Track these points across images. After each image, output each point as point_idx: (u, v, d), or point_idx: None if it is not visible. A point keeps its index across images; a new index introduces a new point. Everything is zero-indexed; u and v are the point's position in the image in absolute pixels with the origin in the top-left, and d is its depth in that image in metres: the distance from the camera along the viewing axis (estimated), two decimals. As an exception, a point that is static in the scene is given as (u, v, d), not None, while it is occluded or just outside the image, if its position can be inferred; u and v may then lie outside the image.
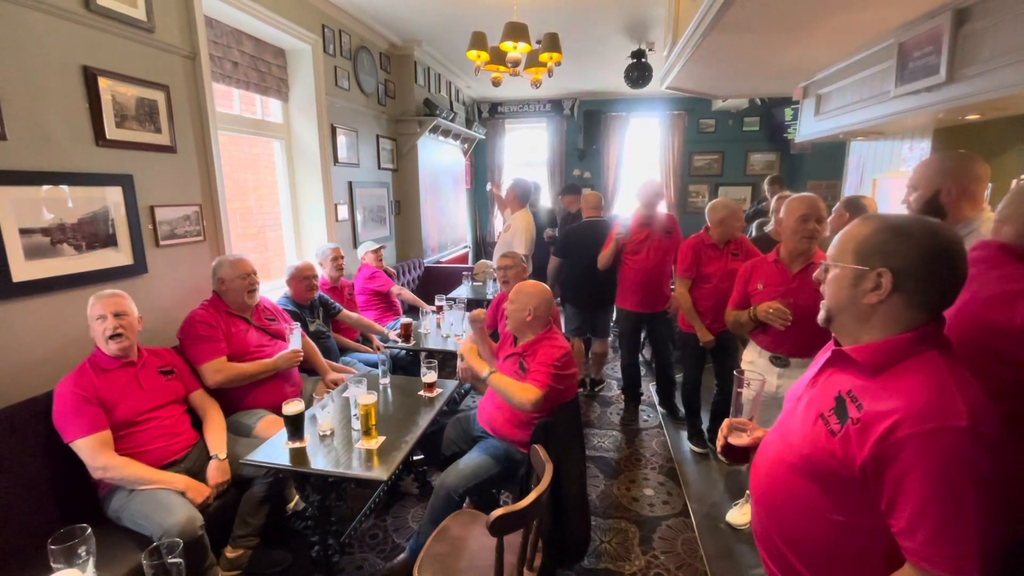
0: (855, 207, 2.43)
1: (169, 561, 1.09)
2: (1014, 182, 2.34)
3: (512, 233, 3.67)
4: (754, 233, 3.79)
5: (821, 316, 0.97)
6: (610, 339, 3.96)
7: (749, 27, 2.33)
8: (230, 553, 1.93)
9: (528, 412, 1.82)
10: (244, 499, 1.94)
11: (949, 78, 1.99)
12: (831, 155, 5.13)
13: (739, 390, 1.19)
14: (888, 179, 3.13)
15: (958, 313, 1.03)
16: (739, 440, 1.16)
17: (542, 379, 1.83)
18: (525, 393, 1.80)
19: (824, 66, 3.11)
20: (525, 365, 1.95)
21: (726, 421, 1.20)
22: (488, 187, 3.54)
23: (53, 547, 1.11)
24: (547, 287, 2.04)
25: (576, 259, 3.40)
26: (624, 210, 6.83)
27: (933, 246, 0.84)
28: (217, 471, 1.83)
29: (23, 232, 1.75)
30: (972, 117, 2.35)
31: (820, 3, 2.04)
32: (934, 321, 0.86)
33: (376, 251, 3.67)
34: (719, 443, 1.20)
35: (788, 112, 5.87)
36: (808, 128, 3.55)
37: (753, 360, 2.11)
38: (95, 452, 1.64)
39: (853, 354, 0.89)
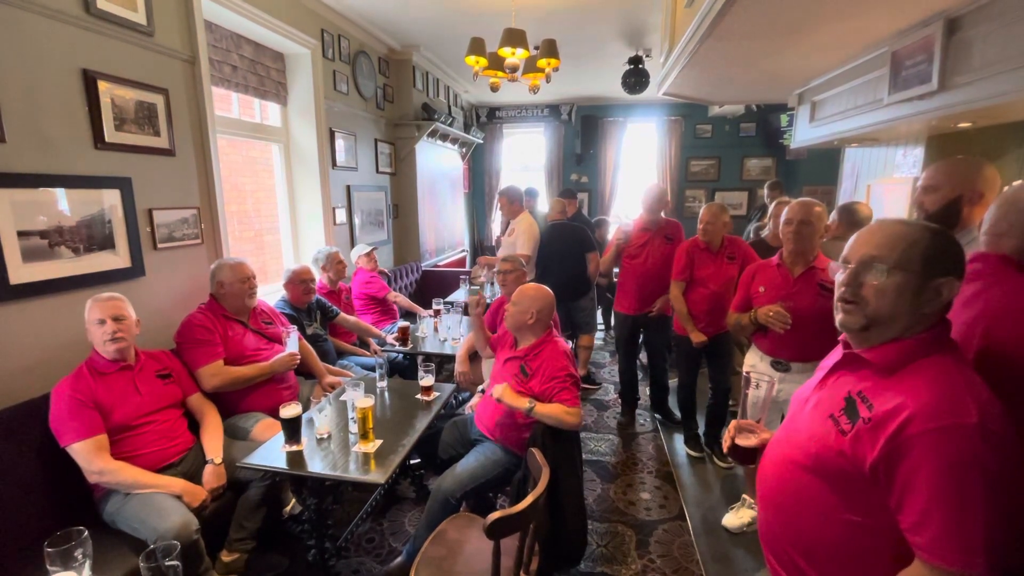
0: (847, 214, 2.46)
1: (166, 564, 1.09)
2: (1005, 188, 2.37)
3: (515, 237, 3.70)
4: (751, 237, 3.82)
5: (857, 323, 0.90)
6: (598, 335, 3.98)
7: (744, 34, 2.36)
8: (226, 557, 1.92)
9: (578, 428, 1.88)
10: (240, 502, 1.94)
11: (941, 86, 2.02)
12: (826, 161, 5.18)
13: (747, 392, 1.20)
14: (882, 185, 3.16)
15: (968, 330, 1.03)
16: (746, 441, 1.17)
17: (571, 398, 1.87)
18: (571, 417, 1.83)
19: (819, 73, 3.14)
20: (527, 369, 1.95)
21: (733, 422, 1.20)
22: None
23: (50, 550, 1.11)
24: (549, 290, 2.05)
25: (544, 259, 3.72)
26: (620, 215, 6.87)
27: (965, 256, 0.87)
28: (213, 475, 1.83)
29: (21, 235, 1.75)
30: (964, 125, 2.38)
31: (814, 11, 2.07)
32: (943, 322, 0.88)
33: (368, 253, 3.67)
34: (726, 444, 1.21)
35: (784, 118, 5.92)
36: (803, 134, 3.58)
37: (755, 364, 2.12)
38: (91, 456, 1.63)
39: (868, 356, 0.90)
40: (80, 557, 1.14)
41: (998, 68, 1.77)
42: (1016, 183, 1.15)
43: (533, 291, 2.03)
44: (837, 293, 0.94)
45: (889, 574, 0.82)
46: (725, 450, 1.21)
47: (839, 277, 0.94)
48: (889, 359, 0.87)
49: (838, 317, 0.94)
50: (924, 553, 0.77)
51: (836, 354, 1.01)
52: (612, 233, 3.78)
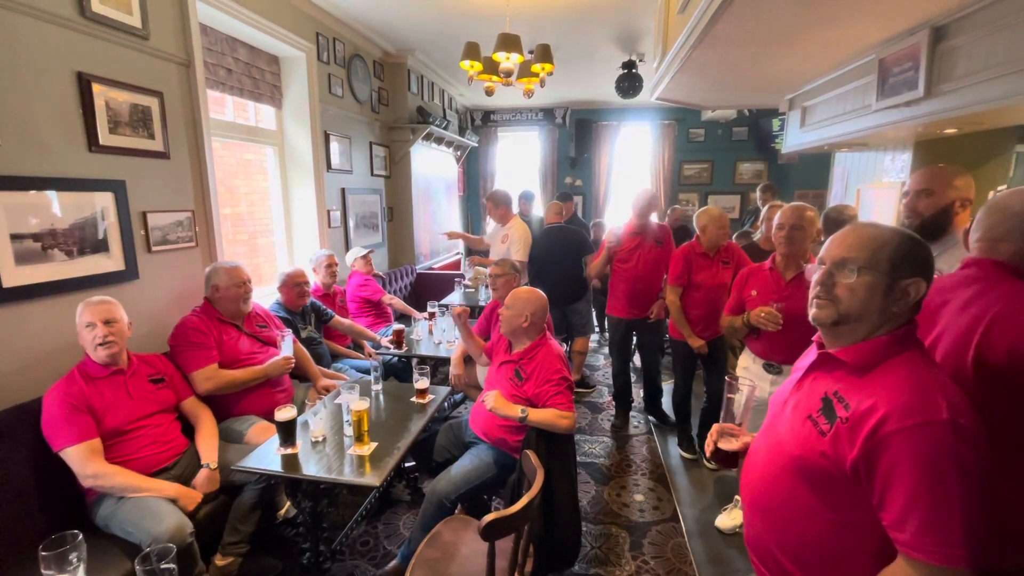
0: (830, 222, 2.50)
1: (161, 567, 1.09)
2: (991, 193, 2.42)
3: (510, 243, 3.71)
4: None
5: (829, 317, 0.93)
6: (592, 338, 4.00)
7: (736, 41, 2.39)
8: (220, 561, 1.91)
9: (572, 431, 1.89)
10: (234, 506, 1.93)
11: (927, 93, 2.06)
12: (818, 165, 5.24)
13: (730, 395, 1.20)
14: (871, 189, 3.21)
15: (964, 335, 1.04)
16: (729, 445, 1.18)
17: (565, 401, 1.87)
18: (565, 421, 1.84)
19: (809, 79, 3.19)
20: (522, 373, 1.97)
21: (715, 426, 1.21)
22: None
23: (44, 553, 1.11)
24: (543, 293, 2.07)
25: (541, 262, 3.70)
26: (614, 218, 6.92)
27: (933, 258, 0.91)
28: (207, 480, 1.82)
29: (14, 237, 1.74)
30: (950, 131, 2.43)
31: (803, 19, 2.11)
32: (910, 322, 0.91)
33: (365, 256, 3.67)
34: (708, 448, 1.22)
35: (775, 123, 5.99)
36: (794, 139, 3.63)
37: (747, 367, 2.15)
38: (84, 460, 1.62)
39: (842, 356, 0.92)
40: (75, 561, 1.14)
41: (982, 76, 1.81)
42: (1002, 189, 1.17)
43: (526, 294, 2.04)
44: (811, 292, 0.97)
45: (875, 572, 0.84)
46: (708, 454, 1.22)
47: (815, 277, 0.97)
48: (862, 358, 0.90)
49: (811, 312, 0.97)
50: (906, 549, 0.79)
51: (810, 355, 1.03)
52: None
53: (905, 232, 0.92)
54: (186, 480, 1.83)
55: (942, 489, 0.76)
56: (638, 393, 3.71)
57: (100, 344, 1.73)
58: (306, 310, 2.90)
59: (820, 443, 0.89)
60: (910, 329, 0.90)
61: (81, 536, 1.16)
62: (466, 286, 4.55)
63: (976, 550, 0.76)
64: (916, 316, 0.92)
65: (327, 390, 2.47)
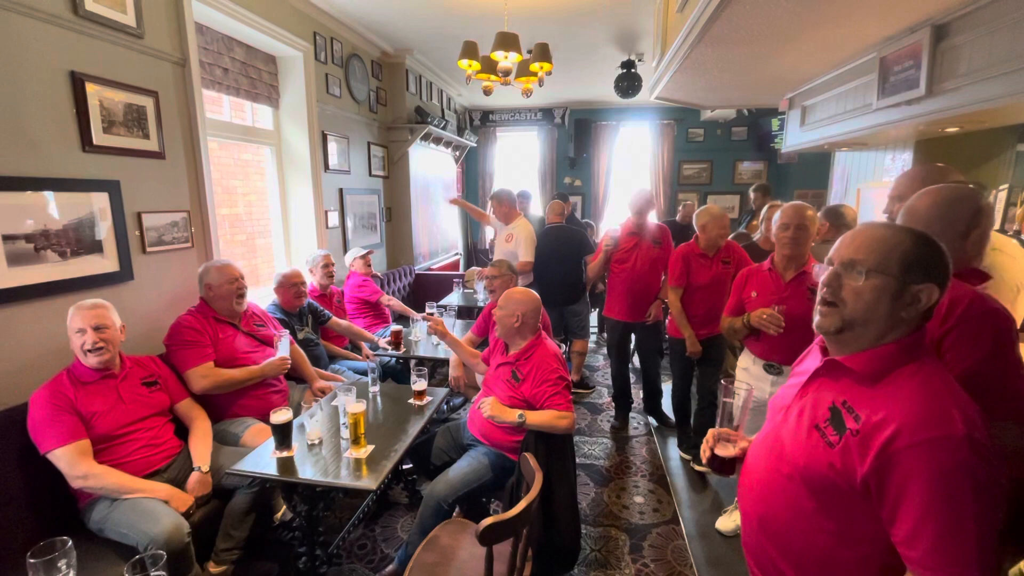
0: (834, 217, 2.48)
1: (153, 573, 1.07)
2: (992, 192, 2.41)
3: (516, 243, 3.68)
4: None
5: (832, 325, 0.89)
6: (591, 339, 3.99)
7: (735, 40, 2.37)
8: (214, 569, 1.88)
9: (572, 431, 1.87)
10: (227, 511, 1.90)
11: (928, 92, 2.05)
12: (817, 165, 5.23)
13: (727, 400, 1.16)
14: (872, 189, 3.20)
15: None
16: (726, 451, 1.14)
17: (563, 402, 1.85)
18: (563, 421, 1.82)
19: (809, 78, 3.18)
20: (518, 374, 1.95)
21: (711, 431, 1.17)
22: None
23: (32, 560, 1.09)
24: (535, 293, 2.05)
25: (541, 262, 3.70)
26: (614, 218, 6.91)
27: (949, 263, 0.86)
28: (199, 483, 1.80)
29: (6, 239, 1.72)
30: (952, 129, 2.41)
31: (803, 17, 2.09)
32: (920, 329, 0.87)
33: (364, 256, 3.65)
34: (704, 454, 1.17)
35: (775, 122, 5.97)
36: (794, 138, 3.61)
37: (747, 368, 2.13)
38: (74, 461, 1.60)
39: (849, 363, 0.88)
40: (64, 568, 1.12)
41: (984, 74, 1.79)
42: (1004, 188, 1.14)
43: (518, 294, 2.03)
44: (819, 294, 0.93)
45: None
46: (704, 461, 1.18)
47: (822, 278, 0.94)
48: (871, 366, 0.86)
49: (815, 320, 0.93)
50: (918, 567, 0.76)
51: (812, 358, 0.99)
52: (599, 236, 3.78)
53: (920, 234, 0.87)
54: (179, 483, 1.81)
55: (956, 507, 0.73)
56: (637, 394, 3.69)
57: (90, 351, 1.71)
58: (303, 311, 2.88)
59: (828, 454, 0.85)
60: (919, 337, 0.86)
61: (71, 542, 1.14)
62: (464, 288, 4.52)
63: (988, 567, 0.73)
64: (928, 323, 0.88)
65: (323, 392, 2.45)
